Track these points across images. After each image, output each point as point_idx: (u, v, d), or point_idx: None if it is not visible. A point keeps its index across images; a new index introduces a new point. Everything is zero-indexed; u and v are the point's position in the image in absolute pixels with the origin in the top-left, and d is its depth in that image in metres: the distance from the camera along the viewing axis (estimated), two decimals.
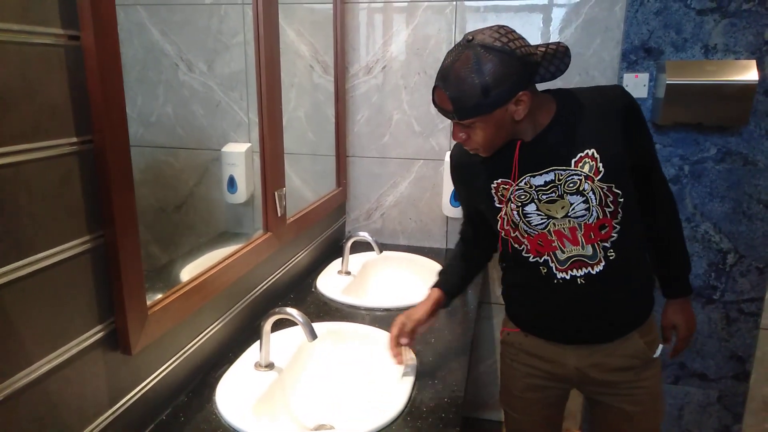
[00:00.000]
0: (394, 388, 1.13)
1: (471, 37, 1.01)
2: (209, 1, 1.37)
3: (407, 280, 1.91)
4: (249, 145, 1.43)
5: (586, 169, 1.06)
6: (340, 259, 1.82)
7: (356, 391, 1.25)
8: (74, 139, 0.77)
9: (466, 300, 1.64)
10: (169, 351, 1.06)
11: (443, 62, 1.04)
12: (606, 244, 1.09)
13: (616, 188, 1.06)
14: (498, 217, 1.16)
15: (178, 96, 1.26)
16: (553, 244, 1.11)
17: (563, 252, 1.11)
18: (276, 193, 1.46)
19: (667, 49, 1.76)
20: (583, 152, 1.06)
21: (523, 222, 1.12)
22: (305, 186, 1.82)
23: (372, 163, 2.12)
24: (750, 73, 1.64)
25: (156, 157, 1.21)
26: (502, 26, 1.02)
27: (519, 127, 1.07)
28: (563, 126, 1.08)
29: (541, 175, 1.08)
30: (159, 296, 1.01)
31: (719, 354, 1.97)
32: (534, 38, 1.87)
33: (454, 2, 1.91)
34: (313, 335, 1.12)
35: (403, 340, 1.18)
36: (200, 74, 1.30)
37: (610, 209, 1.07)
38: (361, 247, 1.87)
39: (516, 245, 1.16)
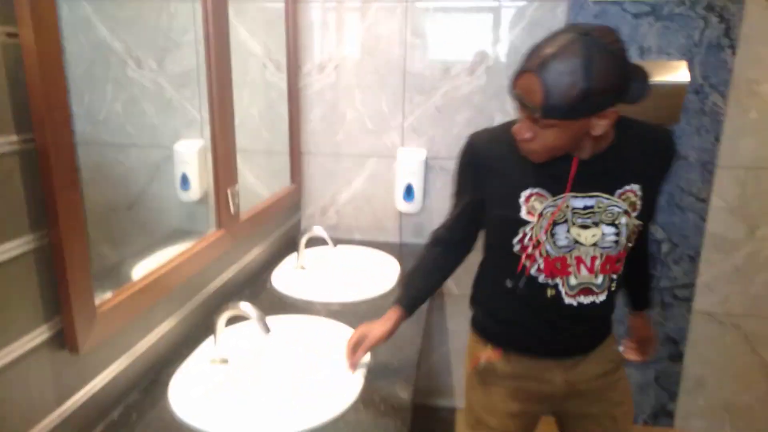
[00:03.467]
0: (347, 378, 1.16)
1: (584, 31, 0.87)
2: None
3: (362, 274, 1.94)
4: (202, 142, 1.43)
5: (627, 203, 1.04)
6: (295, 254, 1.83)
7: (310, 383, 1.27)
8: (14, 138, 0.77)
9: None
10: (120, 349, 1.06)
11: (542, 48, 0.89)
12: (614, 276, 1.09)
13: (642, 227, 1.07)
14: (519, 230, 1.06)
15: (128, 93, 1.25)
16: (569, 269, 1.06)
17: (576, 278, 1.07)
18: (229, 191, 1.46)
19: None
20: (629, 186, 1.03)
21: (548, 242, 1.05)
22: (259, 183, 1.82)
23: (326, 160, 2.14)
24: (681, 73, 1.75)
25: (105, 155, 1.20)
26: (612, 28, 0.90)
27: (584, 143, 0.99)
28: (618, 154, 1.02)
29: (583, 198, 1.03)
30: (108, 295, 1.01)
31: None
32: (481, 39, 1.93)
33: (405, 3, 1.94)
34: (267, 329, 1.14)
35: (359, 354, 1.16)
36: (150, 72, 1.29)
37: (630, 245, 1.07)
38: (316, 242, 1.89)
39: (527, 262, 1.08)
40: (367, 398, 1.10)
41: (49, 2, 0.78)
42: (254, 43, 1.77)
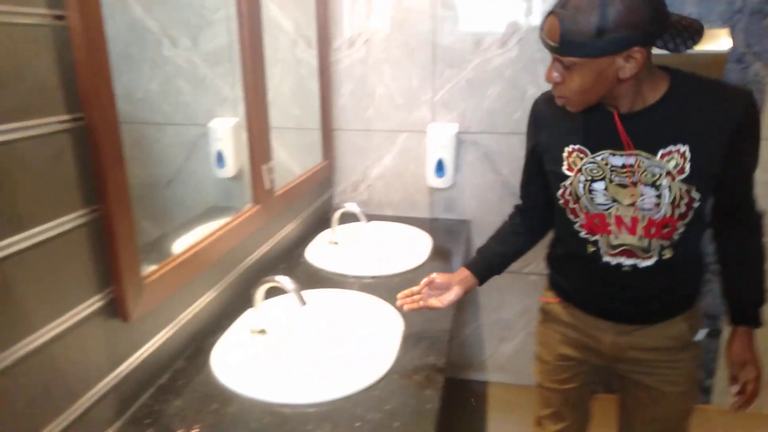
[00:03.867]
0: (381, 349, 1.19)
1: None
2: None
3: (394, 249, 1.96)
4: (236, 119, 1.45)
5: (671, 165, 0.99)
6: (329, 230, 1.87)
7: (345, 354, 1.31)
8: (65, 117, 0.80)
9: (451, 266, 1.70)
10: (166, 319, 1.11)
11: None
12: (664, 243, 1.05)
13: (695, 192, 1.00)
14: (561, 185, 1.10)
15: (163, 72, 1.27)
16: (609, 228, 1.07)
17: (616, 238, 1.07)
18: (264, 167, 1.49)
19: None
20: (675, 146, 0.98)
21: (586, 197, 1.06)
22: (292, 160, 1.85)
23: (357, 136, 2.15)
24: (722, 42, 1.69)
25: (144, 133, 1.23)
26: None
27: (619, 92, 0.98)
28: (666, 111, 0.98)
29: (622, 155, 1.01)
30: (154, 267, 1.05)
31: None
32: (513, 9, 1.90)
33: None
34: (303, 301, 1.17)
35: (411, 302, 1.19)
36: (184, 50, 1.31)
37: (680, 210, 1.02)
38: (348, 218, 1.91)
39: (571, 216, 1.12)
40: (400, 369, 1.13)
41: None
42: (285, 20, 1.78)
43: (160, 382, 1.08)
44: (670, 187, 1.00)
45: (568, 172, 1.08)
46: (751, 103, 0.99)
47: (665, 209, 1.02)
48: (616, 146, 1.02)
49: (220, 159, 1.45)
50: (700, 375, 1.22)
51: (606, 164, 1.03)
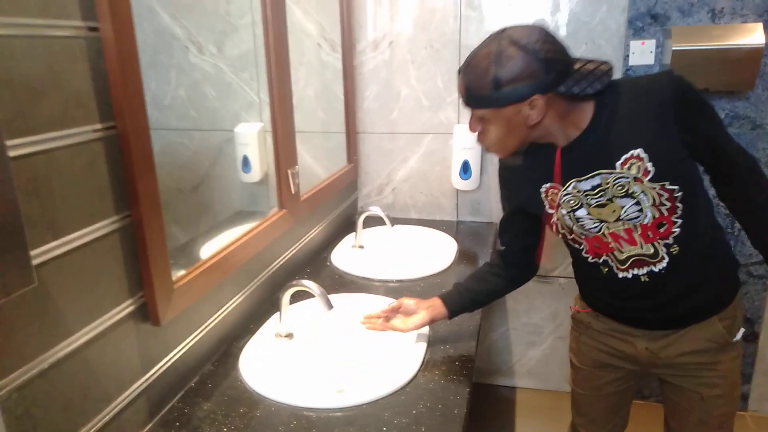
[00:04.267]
0: (407, 353, 1.19)
1: (503, 30, 0.99)
2: None
3: (419, 253, 1.95)
4: (261, 124, 1.47)
5: (634, 170, 1.01)
6: (353, 233, 1.87)
7: (371, 357, 1.31)
8: (99, 126, 0.82)
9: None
10: (195, 323, 1.13)
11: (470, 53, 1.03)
12: (667, 241, 1.05)
13: (670, 185, 1.01)
14: (551, 222, 1.14)
15: (190, 78, 1.29)
16: (610, 246, 1.08)
17: (621, 252, 1.08)
18: (289, 171, 1.50)
19: (673, 14, 1.75)
20: (628, 153, 1.00)
21: (576, 226, 1.10)
22: (317, 163, 1.86)
23: (382, 138, 2.15)
24: (756, 36, 1.64)
25: (171, 139, 1.25)
26: (539, 27, 0.99)
27: (542, 133, 1.04)
28: (603, 128, 1.02)
29: (587, 179, 1.04)
30: (182, 272, 1.07)
31: None
32: (539, 9, 1.87)
33: None
34: (330, 305, 1.17)
35: (381, 326, 1.24)
36: (210, 56, 1.33)
37: (666, 206, 1.02)
38: (373, 221, 1.91)
39: (575, 245, 1.15)
40: (427, 373, 1.12)
41: None
42: (309, 24, 1.79)
43: (189, 386, 1.10)
44: (644, 191, 1.01)
45: (550, 210, 1.12)
46: (672, 79, 1.01)
47: (650, 212, 1.03)
48: (579, 173, 1.05)
49: (246, 164, 1.46)
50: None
51: (578, 191, 1.06)
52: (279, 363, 1.16)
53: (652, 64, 1.81)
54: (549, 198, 1.11)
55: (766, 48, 1.68)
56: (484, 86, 0.98)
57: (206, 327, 1.17)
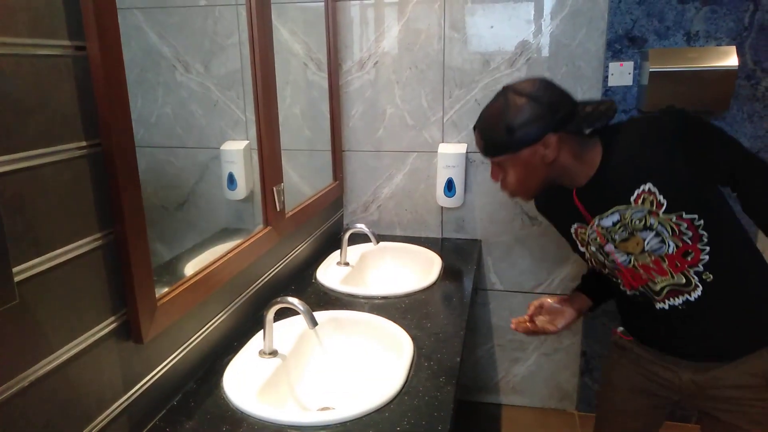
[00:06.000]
0: (391, 370, 1.19)
1: (507, 86, 1.09)
2: (204, 2, 1.41)
3: (404, 269, 1.97)
4: (247, 142, 1.48)
5: (647, 205, 1.04)
6: (339, 250, 1.88)
7: (356, 375, 1.31)
8: (84, 143, 0.83)
9: (462, 286, 1.69)
10: (178, 340, 1.12)
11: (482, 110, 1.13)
12: (698, 269, 1.06)
13: (687, 214, 1.02)
14: (586, 259, 1.21)
15: (177, 97, 1.30)
16: (643, 277, 1.11)
17: (655, 283, 1.10)
18: (274, 189, 1.51)
19: (650, 37, 1.81)
20: (639, 189, 1.04)
21: (608, 260, 1.14)
22: (303, 181, 1.87)
23: (367, 156, 2.17)
24: (730, 59, 1.69)
25: (157, 157, 1.26)
26: (540, 78, 1.09)
27: (560, 172, 1.11)
28: (613, 166, 1.08)
29: (607, 216, 1.10)
30: (166, 289, 1.07)
31: None
32: (522, 30, 1.92)
33: None
34: (314, 322, 1.18)
35: (525, 328, 1.29)
36: (197, 75, 1.34)
37: (688, 235, 1.04)
38: (358, 238, 1.92)
39: (613, 279, 1.19)
40: (411, 390, 1.12)
41: (113, 17, 0.83)
42: (296, 44, 1.81)
43: (172, 404, 1.09)
44: (661, 223, 1.04)
45: (582, 249, 1.20)
46: (673, 114, 1.06)
47: (672, 242, 1.05)
48: (599, 211, 1.11)
49: (231, 181, 1.47)
50: None
51: (602, 228, 1.12)
52: (263, 380, 1.15)
53: (631, 85, 1.86)
54: (579, 237, 1.18)
55: (739, 70, 1.74)
56: (498, 135, 1.07)
57: (189, 344, 1.16)
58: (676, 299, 1.09)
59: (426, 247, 2.02)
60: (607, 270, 1.18)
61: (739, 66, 1.71)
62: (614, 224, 1.09)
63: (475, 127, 1.14)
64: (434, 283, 1.69)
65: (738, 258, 1.08)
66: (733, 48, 1.72)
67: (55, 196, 0.78)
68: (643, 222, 1.05)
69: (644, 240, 1.07)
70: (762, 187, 1.09)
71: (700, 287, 1.07)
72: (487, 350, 2.28)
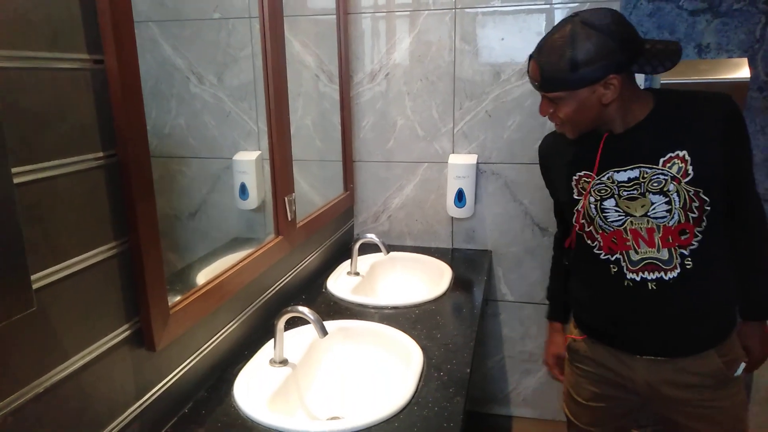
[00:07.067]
0: (401, 381, 1.19)
1: (575, 14, 1.01)
2: (217, 15, 1.43)
3: (414, 280, 1.97)
4: (259, 153, 1.50)
5: (674, 170, 1.03)
6: (349, 260, 1.88)
7: (365, 385, 1.31)
8: (100, 154, 0.85)
9: (472, 297, 1.69)
10: (190, 349, 1.13)
11: (542, 38, 1.05)
12: (684, 251, 1.06)
13: (704, 194, 1.03)
14: (574, 210, 1.15)
15: (190, 108, 1.33)
16: (627, 243, 1.09)
17: (636, 253, 1.08)
18: (286, 199, 1.53)
19: None
20: (673, 153, 1.04)
21: (599, 217, 1.11)
22: (314, 191, 1.88)
23: (378, 167, 2.18)
24: (742, 71, 1.69)
25: (170, 167, 1.27)
26: (611, 10, 1.01)
27: (608, 115, 1.06)
28: (657, 124, 1.05)
29: (625, 171, 1.07)
30: (178, 298, 1.08)
31: None
32: (531, 43, 1.93)
33: (454, 9, 1.97)
34: (324, 332, 1.18)
35: (560, 376, 1.38)
36: (210, 86, 1.36)
37: (693, 215, 1.04)
38: (369, 248, 1.93)
39: (589, 241, 1.15)
40: (420, 400, 1.12)
41: (130, 31, 0.86)
42: (307, 56, 1.84)
43: (183, 412, 1.10)
44: (678, 191, 1.04)
45: (578, 197, 1.14)
46: (731, 104, 1.05)
47: (677, 214, 1.04)
48: (618, 164, 1.08)
49: (243, 191, 1.48)
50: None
51: (612, 182, 1.08)
52: (273, 389, 1.16)
53: None
54: (579, 186, 1.13)
55: (751, 82, 1.73)
56: (560, 69, 0.99)
57: (201, 353, 1.17)
58: (651, 274, 1.08)
59: (436, 257, 2.02)
60: (589, 227, 1.13)
61: (751, 78, 1.70)
62: (629, 180, 1.06)
63: (531, 56, 1.06)
64: (444, 294, 1.68)
65: (718, 258, 1.10)
66: (745, 60, 1.71)
67: (72, 206, 0.80)
68: (661, 186, 1.04)
69: (652, 204, 1.05)
70: (753, 236, 1.14)
71: (678, 269, 1.07)
72: (498, 361, 2.27)
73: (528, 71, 1.09)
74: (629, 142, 1.07)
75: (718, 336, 1.13)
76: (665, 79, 1.72)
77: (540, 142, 1.30)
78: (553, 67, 1.00)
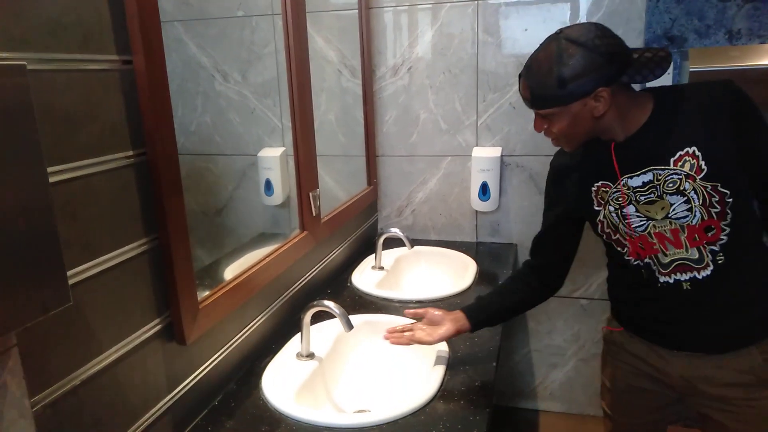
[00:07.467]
0: (427, 374, 1.19)
1: (559, 31, 1.03)
2: (241, 13, 1.45)
3: (439, 273, 1.96)
4: (283, 149, 1.51)
5: (687, 167, 1.01)
6: (374, 255, 1.89)
7: (391, 378, 1.31)
8: (131, 153, 0.87)
9: None
10: (219, 342, 1.15)
11: (529, 57, 1.07)
12: (714, 248, 1.03)
13: (722, 188, 1.00)
14: (597, 221, 1.14)
15: (215, 105, 1.35)
16: (654, 247, 1.07)
17: (665, 255, 1.07)
18: (310, 194, 1.54)
19: (690, 36, 1.76)
20: (683, 150, 1.02)
21: (622, 224, 1.10)
22: (338, 186, 1.89)
23: (401, 161, 2.18)
24: None
25: (196, 164, 1.30)
26: (595, 24, 1.02)
27: (604, 126, 1.06)
28: (660, 125, 1.04)
29: (638, 175, 1.06)
30: (207, 293, 1.10)
31: None
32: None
33: (476, 1, 1.95)
34: (350, 326, 1.19)
35: (401, 339, 1.21)
36: (235, 84, 1.38)
37: (716, 210, 1.02)
38: (393, 243, 1.93)
39: (618, 248, 1.14)
40: (446, 394, 1.12)
41: (157, 32, 0.87)
42: (330, 51, 1.84)
43: (213, 404, 1.12)
44: (695, 189, 1.02)
45: (598, 207, 1.13)
46: (733, 89, 1.02)
47: (699, 212, 1.02)
48: (630, 169, 1.07)
49: (268, 187, 1.50)
50: None
51: (628, 188, 1.08)
52: (300, 382, 1.17)
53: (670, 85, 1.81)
54: (599, 196, 1.12)
55: None
56: (549, 86, 1.01)
57: (230, 346, 1.19)
58: (683, 275, 1.06)
59: (461, 251, 2.01)
60: (616, 236, 1.12)
61: None
62: (644, 184, 1.05)
63: (521, 76, 1.08)
64: (469, 287, 1.68)
65: (751, 248, 1.07)
66: None
67: (105, 204, 0.82)
68: (677, 185, 1.02)
69: (671, 205, 1.03)
70: None
71: (711, 266, 1.04)
72: (524, 355, 2.25)
73: (519, 90, 1.10)
74: (636, 147, 1.06)
75: (757, 332, 1.08)
76: (697, 67, 1.68)
77: (552, 158, 1.26)
78: (542, 85, 1.02)
